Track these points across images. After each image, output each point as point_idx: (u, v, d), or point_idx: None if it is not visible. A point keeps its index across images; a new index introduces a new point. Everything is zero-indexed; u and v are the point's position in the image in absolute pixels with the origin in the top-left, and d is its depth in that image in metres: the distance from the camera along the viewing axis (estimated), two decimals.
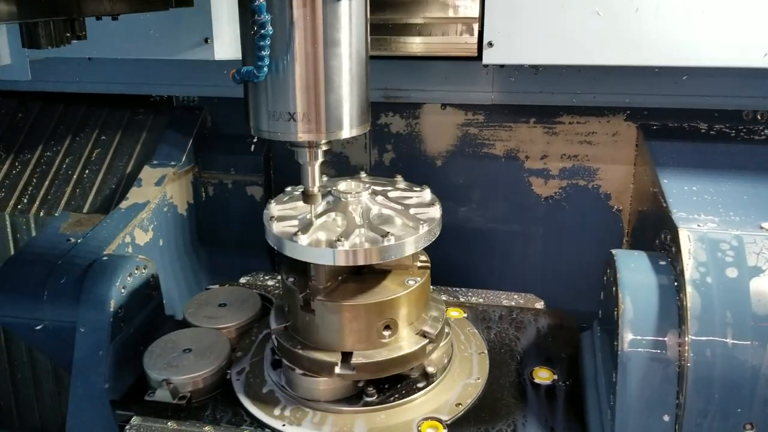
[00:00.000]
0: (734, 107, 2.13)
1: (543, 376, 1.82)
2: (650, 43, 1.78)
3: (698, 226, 1.57)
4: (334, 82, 1.50)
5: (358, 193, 1.70)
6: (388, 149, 2.44)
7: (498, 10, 1.82)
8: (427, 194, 1.80)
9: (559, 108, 2.26)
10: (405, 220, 1.66)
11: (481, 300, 2.20)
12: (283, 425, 1.64)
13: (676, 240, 1.55)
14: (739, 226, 1.57)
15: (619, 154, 2.25)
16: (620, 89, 2.18)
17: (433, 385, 1.74)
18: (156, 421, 1.68)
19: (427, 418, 1.64)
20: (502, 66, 2.21)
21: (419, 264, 1.78)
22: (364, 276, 1.72)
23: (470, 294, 2.21)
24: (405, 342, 1.69)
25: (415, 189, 1.83)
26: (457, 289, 2.23)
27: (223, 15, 1.84)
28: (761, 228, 1.56)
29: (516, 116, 2.31)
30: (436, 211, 1.71)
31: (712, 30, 1.74)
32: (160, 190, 2.23)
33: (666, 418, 1.46)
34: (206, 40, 1.82)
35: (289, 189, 1.87)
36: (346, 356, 1.64)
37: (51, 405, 2.53)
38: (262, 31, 1.39)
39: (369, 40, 1.56)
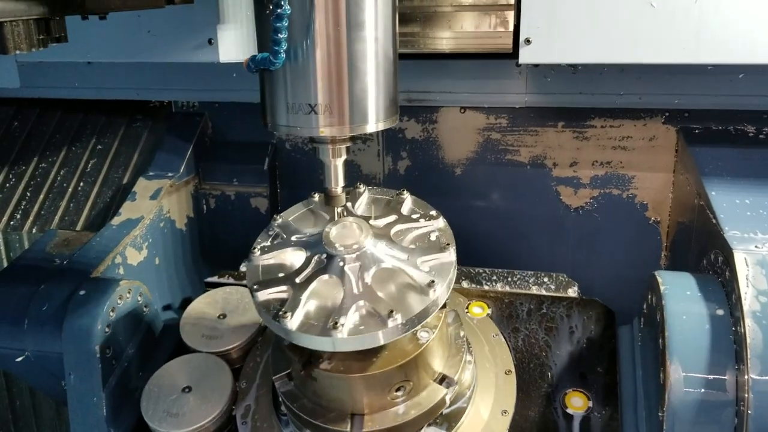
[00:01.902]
0: None
1: (576, 404, 1.64)
2: (710, 39, 1.57)
3: (756, 247, 1.39)
4: (358, 69, 1.36)
5: (355, 245, 1.42)
6: (403, 156, 2.26)
7: (537, 6, 1.63)
8: (440, 222, 1.55)
9: (591, 110, 2.07)
10: (414, 275, 1.41)
11: (507, 288, 1.94)
12: None
13: (730, 263, 1.37)
14: None
15: (657, 161, 2.06)
16: (658, 89, 1.99)
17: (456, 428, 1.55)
18: None
19: None
20: (536, 65, 2.02)
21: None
22: None
23: (495, 279, 1.97)
24: (422, 395, 1.50)
25: (424, 213, 1.58)
26: (483, 271, 1.99)
27: (229, 14, 1.68)
28: None
29: (542, 120, 2.13)
30: (449, 255, 1.45)
31: None
32: (156, 204, 2.07)
33: None
34: (210, 42, 1.65)
35: (277, 219, 1.64)
36: (357, 419, 1.46)
37: None
38: (279, 11, 1.25)
39: (397, 23, 1.40)
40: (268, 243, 1.56)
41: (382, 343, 1.34)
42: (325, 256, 1.43)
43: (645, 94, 1.99)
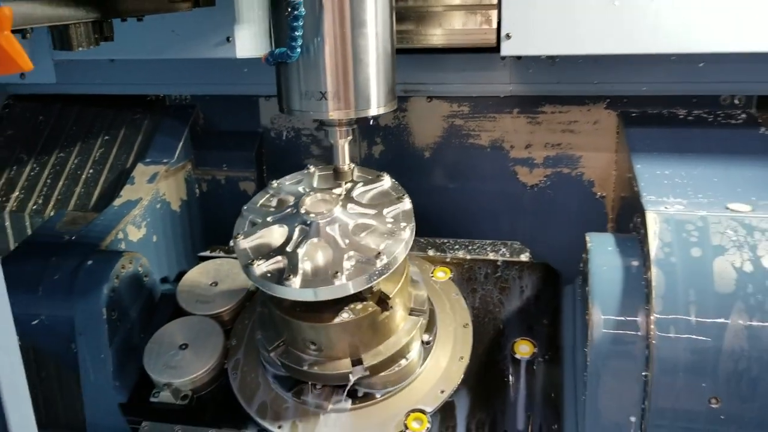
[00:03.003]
0: (712, 92, 2.15)
1: (523, 350, 1.88)
2: (665, 32, 1.79)
3: (665, 208, 1.62)
4: (362, 61, 1.58)
5: (329, 211, 1.65)
6: (377, 142, 2.49)
7: (515, 3, 1.85)
8: (387, 181, 1.80)
9: (542, 98, 2.30)
10: (382, 225, 1.66)
11: (467, 255, 2.17)
12: (280, 427, 1.72)
13: (644, 222, 1.59)
14: (705, 208, 1.61)
15: (601, 142, 2.28)
16: (601, 78, 2.21)
17: (418, 372, 1.78)
18: (163, 426, 1.79)
19: (412, 410, 1.70)
20: (519, 58, 2.22)
21: None
22: None
23: (458, 248, 2.20)
24: (402, 327, 1.76)
25: (373, 178, 1.83)
26: (445, 241, 2.22)
27: (244, 14, 1.88)
28: (728, 209, 1.60)
29: (500, 107, 2.35)
30: (406, 203, 1.71)
31: (730, 16, 1.76)
32: (153, 187, 2.29)
33: (635, 395, 1.52)
34: (228, 39, 1.85)
35: (246, 209, 1.83)
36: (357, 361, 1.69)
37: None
38: (296, 12, 1.47)
39: (395, 21, 1.64)
40: (246, 228, 1.75)
41: (378, 280, 1.57)
42: (306, 224, 1.63)
43: (587, 83, 2.21)
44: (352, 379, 1.66)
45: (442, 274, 2.12)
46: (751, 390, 1.42)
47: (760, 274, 1.44)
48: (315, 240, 1.60)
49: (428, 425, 1.65)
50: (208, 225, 2.61)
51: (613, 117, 2.26)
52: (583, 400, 1.57)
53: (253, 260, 1.59)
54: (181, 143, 2.45)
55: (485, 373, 1.81)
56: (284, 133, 2.56)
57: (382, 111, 1.66)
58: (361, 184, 1.78)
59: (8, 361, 0.74)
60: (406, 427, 1.65)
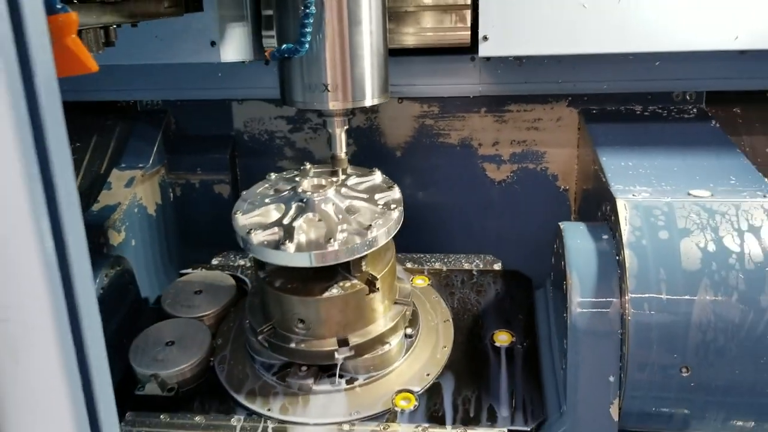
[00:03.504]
0: (666, 90, 2.30)
1: (502, 339, 1.99)
2: (631, 32, 1.92)
3: (633, 195, 1.74)
4: (358, 56, 1.74)
5: (324, 191, 1.77)
6: (350, 143, 2.56)
7: (491, 7, 1.94)
8: (378, 176, 1.94)
9: (508, 97, 2.41)
10: (373, 207, 1.78)
11: (444, 267, 2.33)
12: (268, 410, 1.75)
13: (614, 209, 1.71)
14: (669, 194, 1.73)
15: (564, 138, 2.41)
16: (562, 77, 2.33)
17: (403, 358, 1.87)
18: (149, 414, 1.78)
19: (400, 391, 1.78)
20: (488, 59, 2.31)
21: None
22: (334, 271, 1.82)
23: (434, 260, 2.36)
24: (387, 314, 1.87)
25: (365, 173, 1.96)
26: (422, 256, 2.38)
27: (228, 19, 1.94)
28: (689, 195, 1.74)
29: (468, 106, 2.45)
30: (396, 192, 1.86)
31: (688, 16, 1.89)
32: (130, 192, 2.31)
33: (611, 377, 1.63)
34: (212, 44, 1.91)
35: (245, 194, 1.93)
36: (344, 341, 1.76)
37: None
38: (307, 11, 1.60)
39: (387, 21, 1.79)
40: (245, 206, 1.83)
41: (368, 252, 1.68)
42: (303, 201, 1.74)
43: (550, 81, 2.33)
44: (338, 357, 1.73)
45: (421, 282, 2.26)
46: (717, 359, 1.54)
47: (722, 253, 1.57)
48: (310, 215, 1.71)
49: (416, 403, 1.73)
50: (184, 228, 2.63)
51: (575, 114, 2.39)
52: (564, 377, 1.68)
53: (251, 230, 1.69)
54: (155, 148, 2.47)
55: (468, 359, 1.91)
56: (257, 136, 2.60)
57: (376, 101, 1.82)
58: (354, 176, 1.91)
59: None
60: (395, 405, 1.72)
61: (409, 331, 1.92)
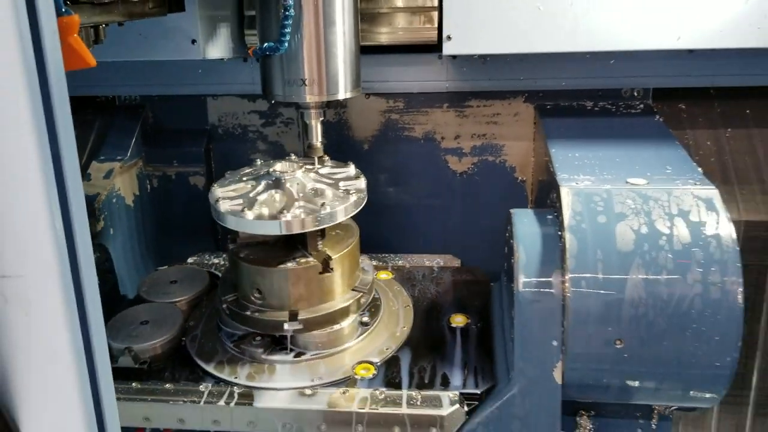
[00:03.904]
0: (615, 86, 2.45)
1: (458, 321, 2.13)
2: (583, 32, 2.06)
3: (576, 184, 1.88)
4: (333, 53, 1.91)
5: (293, 171, 1.94)
6: None
7: (454, 9, 2.08)
8: (351, 170, 2.08)
9: (469, 93, 2.55)
10: (336, 192, 1.92)
11: (407, 264, 2.49)
12: (235, 378, 1.88)
13: (559, 196, 1.85)
14: (609, 182, 1.87)
15: (521, 132, 2.55)
16: (519, 74, 2.47)
17: (365, 334, 2.01)
18: (121, 383, 1.88)
19: (360, 362, 1.92)
20: (454, 57, 2.45)
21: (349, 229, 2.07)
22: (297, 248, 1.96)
23: (398, 259, 2.50)
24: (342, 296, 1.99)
25: (341, 166, 2.10)
26: (387, 255, 2.52)
27: (208, 19, 2.08)
28: (627, 183, 1.88)
29: (431, 102, 2.58)
30: (361, 183, 1.98)
31: (634, 18, 2.03)
32: (109, 183, 2.42)
33: (554, 342, 1.75)
34: (193, 42, 2.04)
35: (228, 173, 2.09)
36: (293, 314, 1.90)
37: None
38: (287, 13, 1.78)
39: (359, 22, 1.97)
40: (224, 182, 2.00)
41: (312, 228, 1.81)
42: (271, 179, 1.90)
43: (508, 79, 2.47)
44: (288, 328, 1.86)
45: (385, 276, 2.40)
46: (648, 331, 1.67)
47: (653, 235, 1.71)
48: (274, 191, 1.87)
49: (375, 372, 1.88)
50: (161, 218, 2.74)
51: (531, 109, 2.53)
52: (512, 351, 1.82)
53: (219, 199, 1.85)
54: (132, 141, 2.58)
55: (426, 337, 2.05)
56: (232, 130, 2.72)
57: (349, 95, 2.00)
58: (329, 167, 2.07)
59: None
60: (355, 374, 1.86)
61: (365, 319, 2.05)
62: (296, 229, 1.79)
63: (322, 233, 1.95)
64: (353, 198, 1.88)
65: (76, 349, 0.96)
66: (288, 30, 1.80)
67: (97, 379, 0.99)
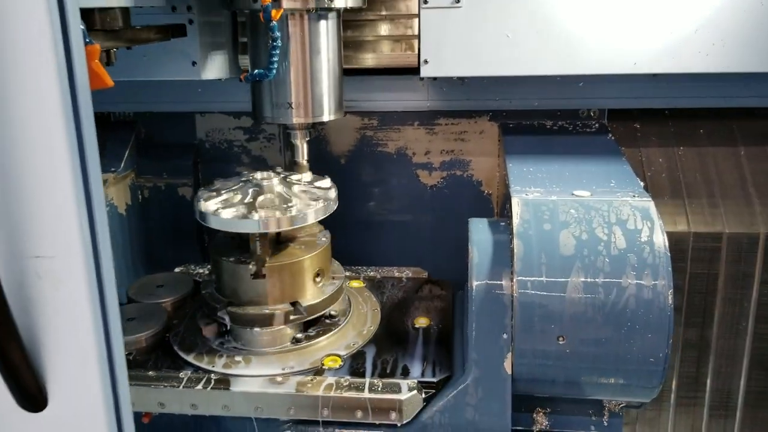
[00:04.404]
0: (573, 107, 2.64)
1: (422, 322, 2.30)
2: (549, 57, 2.25)
3: (526, 195, 2.06)
4: (317, 79, 2.09)
5: (270, 179, 2.11)
6: None
7: (430, 35, 2.26)
8: (327, 182, 2.25)
9: (438, 112, 2.74)
10: (308, 198, 2.09)
11: (378, 275, 2.67)
12: (213, 366, 2.05)
13: (511, 206, 2.03)
14: (556, 194, 2.05)
15: (486, 148, 2.73)
16: (485, 95, 2.66)
17: (333, 332, 2.18)
18: None
19: (328, 354, 2.09)
20: (435, 78, 2.64)
21: (321, 233, 2.26)
22: (283, 246, 2.16)
23: (369, 270, 2.69)
24: (327, 288, 2.19)
25: (319, 179, 2.27)
26: (359, 267, 2.70)
27: (207, 43, 2.26)
28: (573, 194, 2.06)
29: (403, 120, 2.77)
30: (332, 192, 2.15)
31: (593, 45, 2.22)
32: (104, 193, 2.60)
33: (504, 336, 1.91)
34: (193, 63, 2.21)
35: (201, 190, 2.21)
36: (295, 304, 2.08)
37: None
38: (275, 43, 1.92)
39: (342, 50, 2.14)
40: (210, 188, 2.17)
41: (285, 227, 2.00)
42: (254, 186, 2.07)
43: (475, 99, 2.66)
44: (292, 318, 2.07)
45: (356, 284, 2.57)
46: (587, 329, 1.83)
47: (593, 241, 1.89)
48: (255, 196, 2.04)
49: (341, 363, 2.05)
50: (151, 225, 2.91)
51: (495, 128, 2.72)
52: (467, 347, 1.99)
53: (202, 201, 2.04)
54: (126, 154, 2.76)
55: (391, 335, 2.22)
56: (218, 145, 2.91)
57: (333, 117, 2.18)
58: (308, 179, 2.24)
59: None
60: (323, 365, 2.04)
61: (333, 312, 2.24)
62: (272, 228, 1.98)
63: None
64: (319, 204, 2.06)
65: (95, 317, 1.18)
66: (276, 59, 1.96)
67: (111, 341, 1.22)
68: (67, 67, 1.07)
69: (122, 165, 2.74)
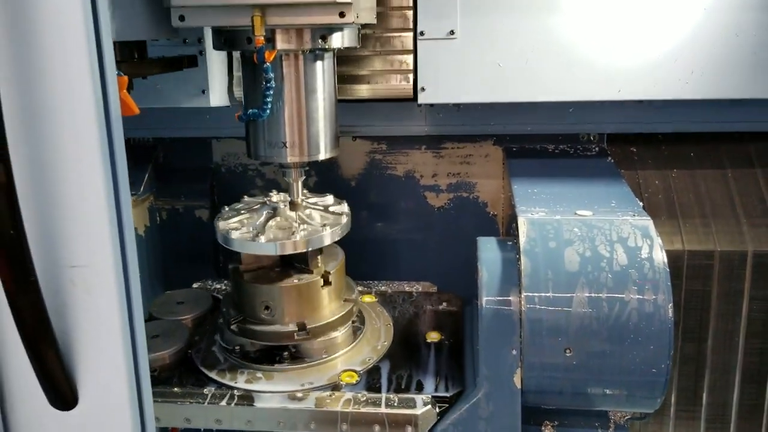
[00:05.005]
0: (574, 132, 2.77)
1: (433, 337, 2.40)
2: (539, 84, 2.39)
3: (532, 214, 2.17)
4: (313, 118, 2.07)
5: (287, 202, 2.22)
6: (312, 174, 2.98)
7: (427, 64, 2.40)
8: (344, 207, 2.35)
9: (444, 137, 2.87)
10: (321, 221, 2.21)
11: (389, 290, 2.77)
12: (235, 383, 2.14)
13: (517, 225, 2.14)
14: (560, 213, 2.16)
15: (491, 171, 2.85)
16: (490, 120, 2.79)
17: (349, 347, 2.28)
18: None
19: (345, 370, 2.19)
20: (432, 105, 2.77)
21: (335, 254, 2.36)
22: (297, 266, 2.25)
23: (381, 285, 2.79)
24: (337, 308, 2.27)
25: (337, 202, 2.39)
26: (371, 282, 2.81)
27: (216, 72, 2.38)
28: (576, 214, 2.18)
29: (411, 144, 2.89)
30: (345, 218, 2.25)
31: (579, 73, 2.36)
32: None
33: (513, 351, 2.01)
34: (203, 92, 2.34)
35: (227, 208, 2.35)
36: (301, 325, 2.17)
37: None
38: (268, 85, 1.90)
39: (337, 88, 2.16)
40: (226, 215, 2.27)
41: (327, 242, 2.12)
42: (271, 209, 2.17)
43: (479, 124, 2.78)
44: (296, 338, 2.14)
45: (369, 299, 2.68)
46: (592, 341, 1.92)
47: (596, 258, 1.99)
48: (278, 219, 2.15)
49: (358, 378, 2.15)
50: (169, 247, 3.02)
51: (499, 151, 2.84)
52: (477, 361, 2.08)
53: (229, 230, 2.12)
54: (145, 178, 2.88)
55: (404, 350, 2.32)
56: (233, 169, 3.03)
57: (328, 155, 2.15)
58: (312, 198, 2.36)
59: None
60: (340, 380, 2.13)
61: (357, 324, 2.35)
62: (288, 251, 2.08)
63: (320, 251, 2.24)
64: (344, 219, 2.19)
65: (123, 320, 1.32)
66: (270, 99, 1.92)
67: (136, 342, 1.34)
68: (103, 97, 1.23)
69: (142, 188, 2.85)
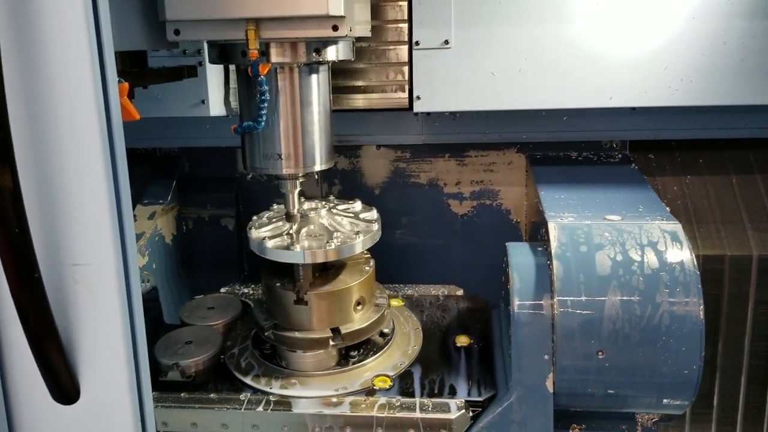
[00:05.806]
0: (596, 139, 2.80)
1: (462, 341, 2.41)
2: (531, 93, 2.43)
3: (561, 219, 2.20)
4: (308, 130, 2.08)
5: (318, 210, 2.26)
6: (335, 183, 3.03)
7: (423, 73, 2.44)
8: (358, 204, 2.40)
9: (468, 144, 2.91)
10: (353, 228, 2.24)
11: (415, 293, 2.80)
12: (270, 388, 2.17)
13: (547, 230, 2.17)
14: (590, 219, 2.18)
15: (514, 178, 2.89)
16: (513, 128, 2.83)
17: (381, 353, 2.31)
18: (171, 393, 2.16)
19: (378, 375, 2.21)
20: (428, 114, 2.81)
21: (366, 261, 2.38)
22: (329, 272, 2.28)
23: (407, 288, 2.82)
24: (369, 314, 2.29)
25: (366, 209, 2.41)
26: (397, 285, 2.83)
27: (215, 83, 2.42)
28: (605, 219, 2.21)
29: (435, 153, 2.92)
30: (376, 225, 2.28)
31: (571, 81, 2.40)
32: (153, 223, 2.74)
33: (546, 356, 2.02)
34: (203, 102, 2.38)
35: (255, 218, 2.39)
36: (335, 330, 2.19)
37: None
38: (263, 97, 1.90)
39: (332, 100, 2.16)
40: (257, 223, 2.30)
41: (358, 250, 2.14)
42: (301, 218, 2.19)
43: (503, 132, 2.82)
44: (332, 344, 2.16)
45: (396, 303, 2.70)
46: (625, 343, 1.94)
47: (626, 261, 2.02)
48: (311, 227, 2.18)
49: (391, 383, 2.16)
50: (195, 255, 3.05)
51: (523, 159, 2.88)
52: (509, 367, 2.11)
53: (263, 239, 2.15)
54: (172, 187, 2.92)
55: (434, 355, 2.34)
56: (257, 178, 3.06)
57: (324, 167, 2.15)
58: (341, 204, 2.39)
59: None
60: (374, 385, 2.15)
61: (386, 330, 2.36)
62: (319, 259, 2.12)
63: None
64: (376, 226, 2.22)
65: (124, 316, 1.38)
66: (264, 112, 1.92)
67: (136, 338, 1.41)
68: (104, 102, 1.28)
69: (169, 197, 2.89)
